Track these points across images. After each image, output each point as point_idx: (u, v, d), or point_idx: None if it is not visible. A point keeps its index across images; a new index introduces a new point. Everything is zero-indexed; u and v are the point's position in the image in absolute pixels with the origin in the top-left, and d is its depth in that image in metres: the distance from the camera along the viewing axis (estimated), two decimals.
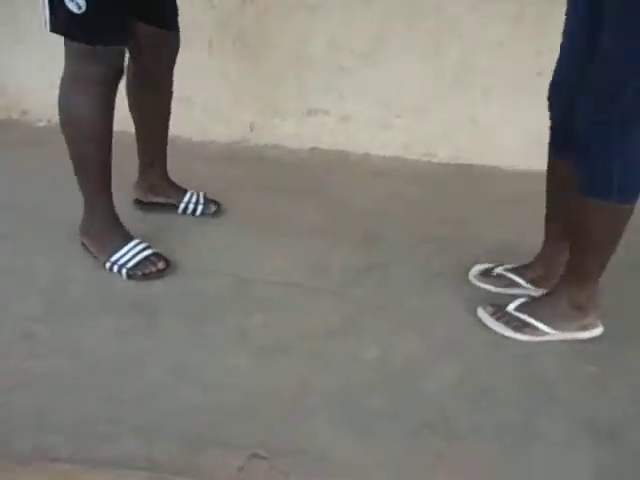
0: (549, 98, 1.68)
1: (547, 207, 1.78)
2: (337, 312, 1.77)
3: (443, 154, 2.64)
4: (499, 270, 1.89)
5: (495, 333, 1.72)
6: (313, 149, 2.69)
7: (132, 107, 2.03)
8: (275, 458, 1.34)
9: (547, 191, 1.77)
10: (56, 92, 2.66)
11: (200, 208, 2.15)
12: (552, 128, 1.70)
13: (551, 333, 1.69)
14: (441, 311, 1.80)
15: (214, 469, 1.31)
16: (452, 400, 1.53)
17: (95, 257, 1.88)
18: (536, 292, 1.82)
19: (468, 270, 1.93)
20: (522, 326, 1.70)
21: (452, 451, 1.40)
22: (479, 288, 1.87)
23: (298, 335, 1.68)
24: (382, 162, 2.62)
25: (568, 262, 1.67)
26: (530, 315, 1.70)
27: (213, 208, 2.17)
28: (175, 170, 2.18)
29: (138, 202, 2.17)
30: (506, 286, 1.86)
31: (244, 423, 1.43)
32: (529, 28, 2.32)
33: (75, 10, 1.58)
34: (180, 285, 1.83)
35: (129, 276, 1.83)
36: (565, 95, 1.59)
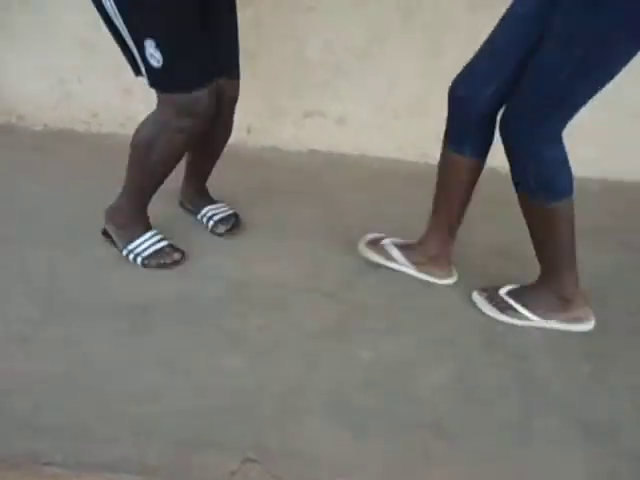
0: (453, 89, 1.72)
1: (435, 198, 1.86)
2: (333, 313, 1.78)
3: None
4: (386, 242, 1.96)
5: (490, 331, 1.74)
6: (311, 151, 2.69)
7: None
8: (268, 461, 1.35)
9: (437, 182, 1.84)
10: (53, 96, 2.68)
11: (210, 224, 2.10)
12: (450, 119, 1.75)
13: (534, 319, 1.76)
14: (436, 311, 1.80)
15: (207, 473, 1.32)
16: (446, 400, 1.53)
17: (114, 245, 1.95)
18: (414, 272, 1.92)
19: (464, 271, 1.94)
20: (506, 308, 1.78)
21: (446, 451, 1.41)
22: (473, 290, 1.86)
23: (293, 337, 1.69)
24: (379, 164, 2.62)
25: (539, 257, 1.75)
26: (517, 302, 1.77)
27: (222, 229, 2.09)
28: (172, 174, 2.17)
29: (182, 205, 2.21)
30: (387, 259, 1.95)
31: (237, 425, 1.43)
32: None
33: (155, 64, 1.64)
34: (176, 286, 1.84)
35: (144, 265, 1.90)
36: (476, 90, 1.67)
